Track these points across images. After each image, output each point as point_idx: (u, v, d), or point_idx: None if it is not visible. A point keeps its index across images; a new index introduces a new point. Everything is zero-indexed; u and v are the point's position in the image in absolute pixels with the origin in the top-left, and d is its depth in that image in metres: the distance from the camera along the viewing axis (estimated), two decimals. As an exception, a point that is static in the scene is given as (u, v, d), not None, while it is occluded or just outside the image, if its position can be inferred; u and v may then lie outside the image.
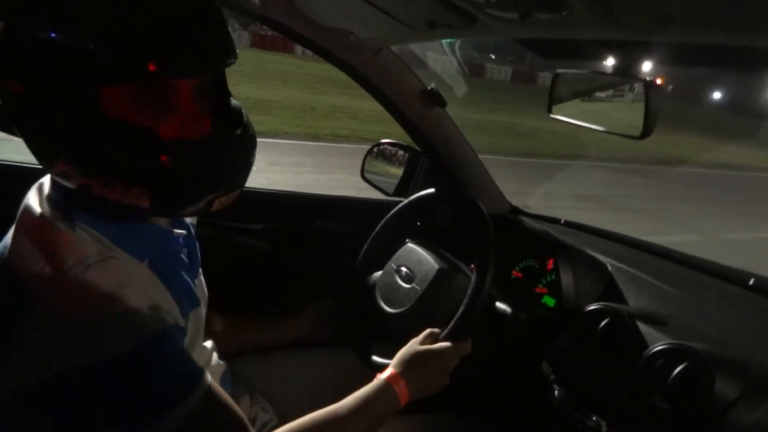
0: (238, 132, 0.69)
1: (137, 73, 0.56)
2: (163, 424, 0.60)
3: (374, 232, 1.25)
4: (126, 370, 0.59)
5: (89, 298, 0.59)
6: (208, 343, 0.96)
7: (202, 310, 0.84)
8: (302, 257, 1.55)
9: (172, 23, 0.58)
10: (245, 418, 0.71)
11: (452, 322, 0.99)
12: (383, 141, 1.66)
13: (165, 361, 0.62)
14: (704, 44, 0.79)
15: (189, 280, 0.79)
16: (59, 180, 0.66)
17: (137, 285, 0.62)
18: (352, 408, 0.83)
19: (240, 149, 0.70)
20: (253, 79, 11.79)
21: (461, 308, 1.00)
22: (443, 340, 0.98)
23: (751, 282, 1.07)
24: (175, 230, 0.80)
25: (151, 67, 0.56)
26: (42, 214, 0.65)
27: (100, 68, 0.55)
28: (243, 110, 0.71)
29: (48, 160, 0.63)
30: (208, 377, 0.66)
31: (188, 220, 0.89)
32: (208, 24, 0.61)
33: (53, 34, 0.54)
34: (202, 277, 0.90)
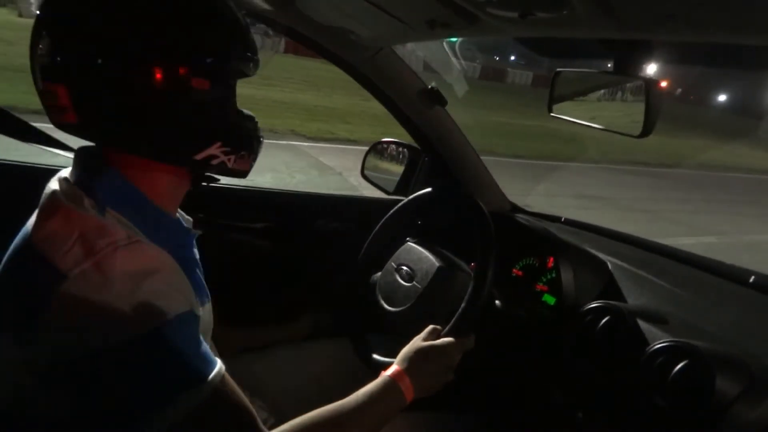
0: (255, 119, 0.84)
1: (236, 73, 0.74)
2: (183, 404, 0.62)
3: (374, 231, 1.25)
4: (147, 350, 0.61)
5: (117, 278, 0.61)
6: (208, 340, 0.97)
7: (209, 306, 0.86)
8: (302, 256, 1.56)
9: (249, 34, 0.76)
10: (252, 410, 0.72)
11: (455, 318, 1.00)
12: (384, 139, 1.66)
13: (184, 343, 0.64)
14: (706, 43, 0.79)
15: (200, 276, 0.83)
16: (201, 163, 0.73)
17: (162, 269, 0.66)
18: (356, 405, 0.83)
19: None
20: (308, 86, 12.05)
21: (463, 304, 1.00)
22: (446, 336, 0.98)
23: (752, 279, 1.07)
24: (190, 227, 0.85)
25: (239, 69, 0.74)
26: (71, 199, 0.68)
27: (238, 70, 0.74)
28: None
29: (202, 145, 0.72)
30: (222, 366, 0.68)
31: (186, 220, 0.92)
32: (252, 37, 0.77)
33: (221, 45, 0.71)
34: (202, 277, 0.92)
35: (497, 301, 1.14)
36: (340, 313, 1.24)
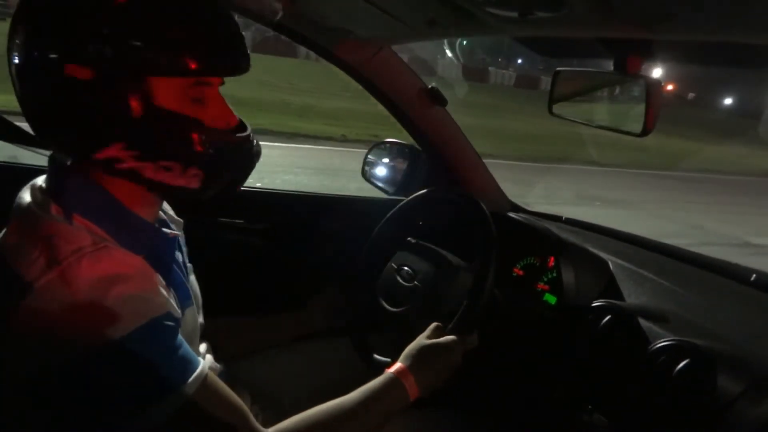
0: (248, 129, 0.77)
1: (184, 70, 0.65)
2: (158, 411, 0.60)
3: (375, 232, 1.25)
4: (120, 357, 0.59)
5: (84, 285, 0.59)
6: (202, 347, 0.96)
7: (196, 310, 0.85)
8: (303, 256, 1.56)
9: (212, 31, 0.68)
10: (245, 408, 0.71)
11: (457, 316, 1.00)
12: (384, 140, 1.66)
13: (160, 348, 0.63)
14: (706, 43, 0.79)
15: (183, 279, 0.80)
16: (103, 164, 0.67)
17: (132, 273, 0.64)
18: (359, 401, 0.82)
19: (253, 140, 0.78)
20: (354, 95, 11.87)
21: (465, 302, 1.00)
22: (449, 333, 0.98)
23: (753, 278, 1.07)
24: (168, 231, 0.81)
25: (193, 66, 0.65)
26: (37, 208, 0.67)
27: (157, 64, 0.64)
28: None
29: (99, 144, 0.65)
30: (206, 367, 0.67)
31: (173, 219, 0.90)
32: (235, 33, 0.70)
33: (119, 33, 0.62)
34: (193, 278, 0.91)
35: (498, 300, 1.14)
36: (340, 313, 1.24)
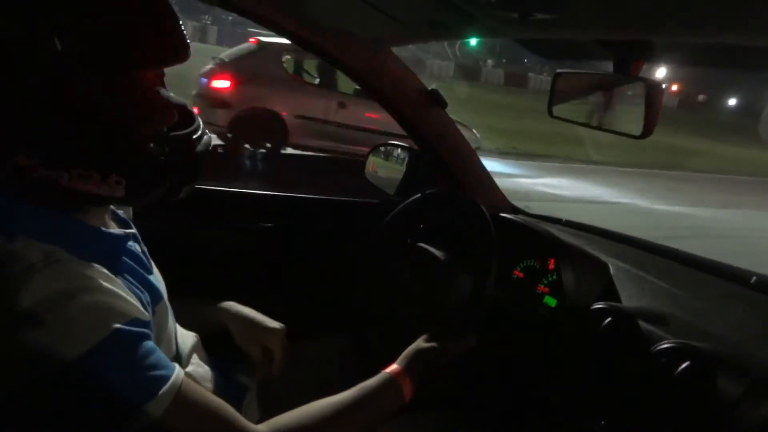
0: (195, 123, 0.72)
1: (102, 65, 0.59)
2: (134, 423, 0.58)
3: (375, 234, 1.25)
4: (88, 371, 0.57)
5: (40, 303, 0.56)
6: (192, 340, 0.94)
7: (165, 302, 0.81)
8: (302, 259, 1.55)
9: (135, 18, 0.61)
10: (230, 409, 0.69)
11: (456, 318, 1.00)
12: (384, 142, 1.67)
13: (126, 360, 0.60)
14: (707, 43, 0.79)
15: (146, 276, 0.76)
16: (12, 177, 0.61)
17: (90, 283, 0.60)
18: (353, 399, 0.81)
19: (200, 138, 0.72)
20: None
21: (464, 304, 1.00)
22: (448, 336, 0.98)
23: (753, 280, 1.07)
24: (122, 230, 0.77)
25: (116, 59, 0.59)
26: None
27: (66, 61, 0.57)
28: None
29: (5, 154, 0.60)
30: (181, 372, 0.65)
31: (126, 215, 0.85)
32: (169, 19, 0.63)
33: (14, 24, 0.55)
34: (156, 271, 0.85)
35: (498, 302, 1.13)
36: (340, 315, 1.24)
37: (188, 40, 0.65)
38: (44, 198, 0.64)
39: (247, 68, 6.40)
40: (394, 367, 0.91)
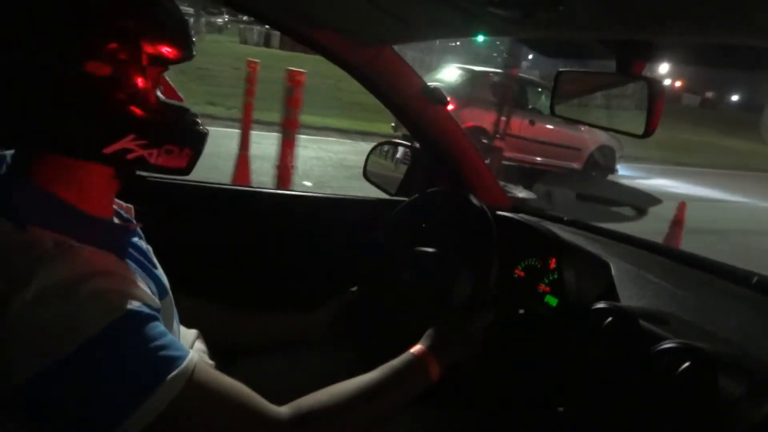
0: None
1: (171, 58, 0.69)
2: (147, 407, 0.58)
3: (376, 233, 1.25)
4: (100, 354, 0.57)
5: (52, 287, 0.57)
6: (192, 333, 0.94)
7: (170, 297, 0.82)
8: (304, 258, 1.55)
9: (180, 18, 0.72)
10: (249, 391, 0.68)
11: (468, 294, 1.03)
12: (385, 140, 1.67)
13: (140, 341, 0.60)
14: (707, 43, 0.79)
15: (152, 269, 0.78)
16: (114, 158, 0.67)
17: (101, 268, 0.61)
18: (381, 380, 0.80)
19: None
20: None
21: (465, 302, 1.01)
22: (463, 315, 1.00)
23: (755, 281, 1.07)
24: (125, 223, 0.80)
25: (175, 54, 0.69)
26: None
27: (158, 55, 0.67)
28: None
29: (113, 138, 0.66)
30: (195, 356, 0.65)
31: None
32: (185, 22, 0.73)
33: (128, 27, 0.65)
34: (160, 268, 0.87)
35: (498, 301, 1.13)
36: (342, 315, 1.24)
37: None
38: (71, 188, 0.68)
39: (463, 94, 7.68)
40: (417, 347, 0.91)
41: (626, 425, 0.95)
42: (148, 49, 0.66)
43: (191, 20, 15.36)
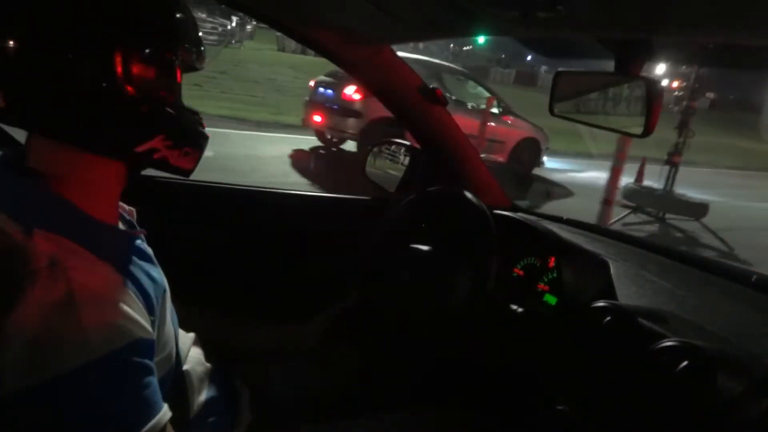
0: None
1: (182, 63, 0.71)
2: None
3: (375, 232, 1.25)
4: (70, 389, 0.54)
5: (32, 315, 0.55)
6: (190, 336, 0.94)
7: (168, 298, 0.81)
8: (302, 258, 1.56)
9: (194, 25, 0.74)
10: None
11: (469, 289, 1.03)
12: (385, 139, 1.67)
13: (112, 388, 0.57)
14: (707, 43, 0.79)
15: (152, 271, 0.76)
16: (142, 157, 0.68)
17: (89, 297, 0.58)
18: None
19: None
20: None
21: (464, 301, 1.01)
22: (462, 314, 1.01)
23: (753, 279, 1.07)
24: (131, 229, 0.79)
25: (185, 60, 0.71)
26: None
27: (190, 60, 0.72)
28: None
29: (145, 137, 0.68)
30: (167, 415, 0.61)
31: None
32: (195, 27, 0.75)
33: (170, 29, 0.69)
34: (160, 268, 0.84)
35: (498, 301, 1.14)
36: (342, 316, 1.24)
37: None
38: (80, 192, 0.67)
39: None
40: None
41: (625, 423, 0.96)
42: (183, 54, 0.70)
43: (229, 27, 15.38)
